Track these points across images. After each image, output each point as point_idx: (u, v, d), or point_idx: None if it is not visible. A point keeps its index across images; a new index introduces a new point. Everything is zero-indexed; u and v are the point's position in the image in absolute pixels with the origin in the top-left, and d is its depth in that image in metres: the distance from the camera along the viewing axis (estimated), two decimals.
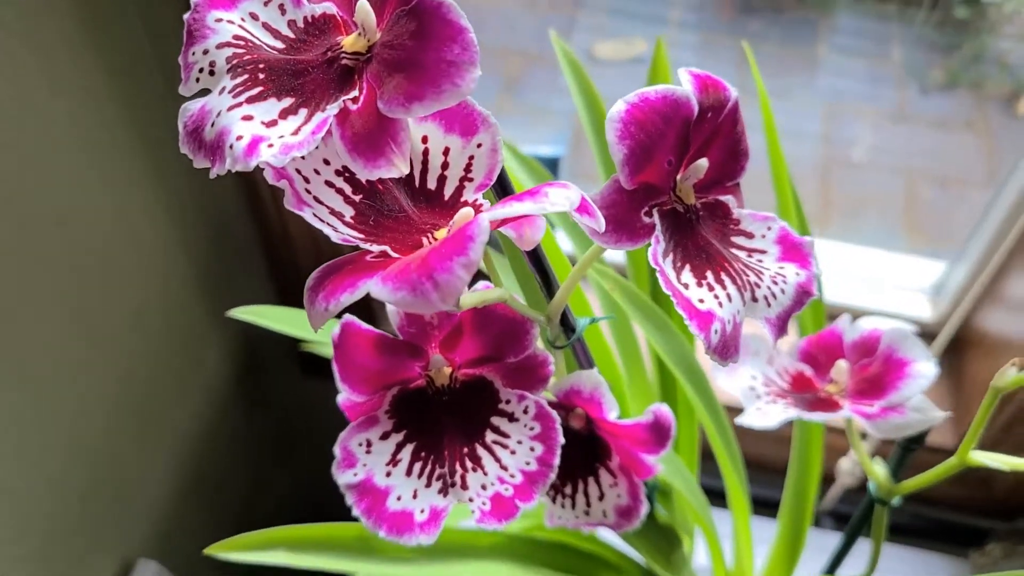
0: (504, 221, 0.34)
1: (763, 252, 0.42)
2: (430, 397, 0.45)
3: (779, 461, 0.98)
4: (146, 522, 1.08)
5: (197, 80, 0.33)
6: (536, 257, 0.43)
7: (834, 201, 1.59)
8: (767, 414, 0.51)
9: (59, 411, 0.91)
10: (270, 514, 1.30)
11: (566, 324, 0.47)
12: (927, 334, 1.15)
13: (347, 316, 0.43)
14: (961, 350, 1.12)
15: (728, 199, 0.42)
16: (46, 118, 0.79)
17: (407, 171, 0.32)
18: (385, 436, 0.44)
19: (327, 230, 0.32)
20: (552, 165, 1.33)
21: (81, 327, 0.91)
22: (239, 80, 0.32)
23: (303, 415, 1.40)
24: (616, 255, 1.04)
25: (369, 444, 0.43)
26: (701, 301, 0.37)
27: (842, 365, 0.53)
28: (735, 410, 0.75)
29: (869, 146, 1.65)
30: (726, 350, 0.37)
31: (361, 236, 0.33)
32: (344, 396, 0.44)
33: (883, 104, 1.74)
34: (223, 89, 0.32)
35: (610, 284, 0.58)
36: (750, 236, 0.42)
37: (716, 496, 0.77)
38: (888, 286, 1.22)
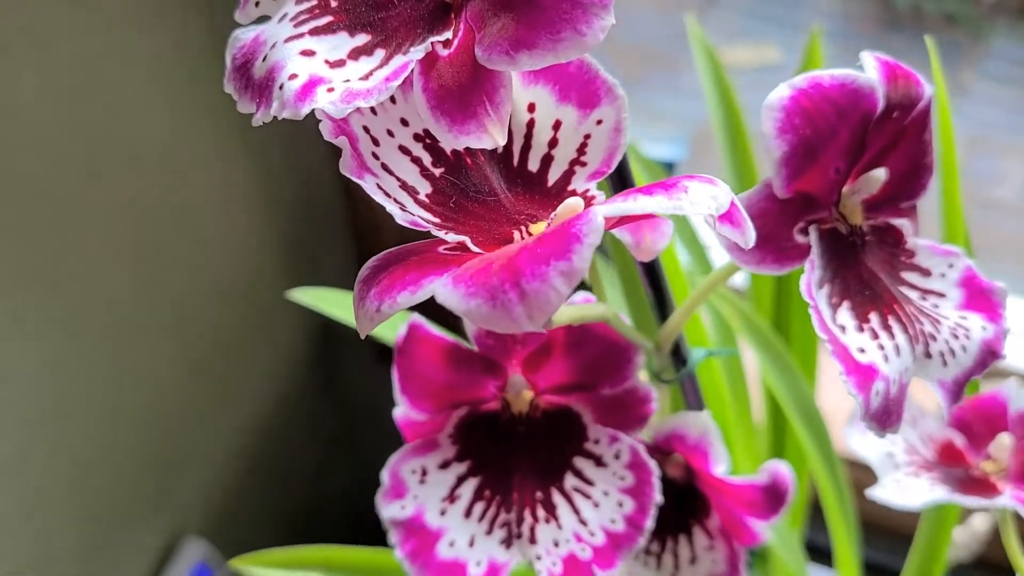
0: (623, 220, 0.26)
1: (940, 295, 0.33)
2: (503, 425, 0.37)
3: (900, 523, 0.87)
4: (201, 499, 1.04)
5: (257, 4, 0.27)
6: (652, 271, 0.35)
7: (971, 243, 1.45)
8: (907, 490, 0.42)
9: (121, 373, 0.87)
10: (332, 505, 1.25)
11: (677, 355, 0.38)
12: None
13: (415, 316, 0.36)
14: None
15: (902, 223, 0.33)
16: (134, 70, 0.75)
17: (503, 141, 0.24)
18: (445, 465, 0.37)
19: (392, 207, 0.25)
20: (668, 170, 1.25)
21: (155, 292, 0.87)
22: (305, 6, 0.25)
23: (374, 404, 1.34)
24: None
25: (425, 472, 0.36)
26: (862, 351, 0.29)
27: (1004, 440, 0.44)
28: (854, 464, 0.66)
29: (1017, 184, 1.51)
30: (887, 417, 0.29)
31: (436, 220, 0.26)
32: (402, 410, 0.37)
33: None
34: (284, 16, 0.25)
35: (729, 310, 0.49)
36: (926, 273, 0.33)
37: (821, 555, 0.67)
38: None
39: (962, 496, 0.41)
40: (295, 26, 0.25)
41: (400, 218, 0.25)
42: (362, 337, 0.25)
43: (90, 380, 0.84)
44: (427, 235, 0.26)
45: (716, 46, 0.63)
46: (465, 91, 0.24)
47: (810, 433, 0.54)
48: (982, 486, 0.43)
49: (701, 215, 0.22)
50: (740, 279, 0.80)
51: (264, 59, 0.25)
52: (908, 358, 0.30)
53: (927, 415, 0.47)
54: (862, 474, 0.60)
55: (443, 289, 0.22)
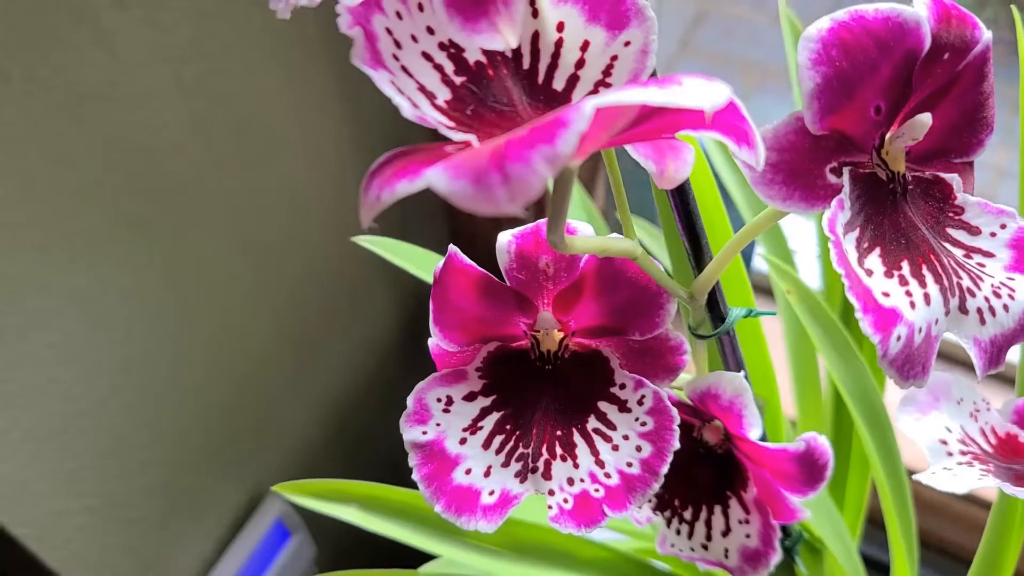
0: (617, 114, 0.25)
1: (988, 255, 0.31)
2: (532, 363, 0.37)
3: (960, 547, 0.83)
4: (282, 460, 1.07)
5: None
6: (687, 216, 0.34)
7: None
8: (957, 476, 0.40)
9: (215, 329, 0.90)
10: (405, 470, 1.27)
11: (715, 311, 0.38)
12: None
13: (452, 247, 0.37)
14: None
15: (952, 178, 0.32)
16: (240, 30, 0.79)
17: (515, 44, 0.24)
18: (470, 397, 0.37)
19: (402, 102, 0.25)
20: None
21: (253, 255, 0.91)
22: None
23: None
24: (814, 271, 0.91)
25: (450, 401, 0.37)
26: (886, 295, 0.28)
27: None
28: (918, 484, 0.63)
29: None
30: (909, 366, 0.28)
31: (451, 124, 0.27)
32: (435, 341, 0.38)
33: None
34: None
35: (788, 285, 0.48)
36: (975, 232, 0.31)
37: (876, 569, 0.64)
38: None
39: (1017, 488, 0.39)
40: None
41: (409, 114, 0.25)
42: (364, 227, 0.25)
43: (182, 332, 0.87)
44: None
45: None
46: None
47: (873, 432, 0.52)
48: None
49: (697, 107, 0.21)
50: (815, 280, 0.78)
51: None
52: (939, 309, 0.29)
53: (991, 408, 0.44)
54: (924, 489, 0.58)
55: (433, 173, 0.22)
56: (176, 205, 0.81)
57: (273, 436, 1.05)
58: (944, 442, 0.43)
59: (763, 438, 0.40)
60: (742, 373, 0.39)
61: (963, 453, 0.42)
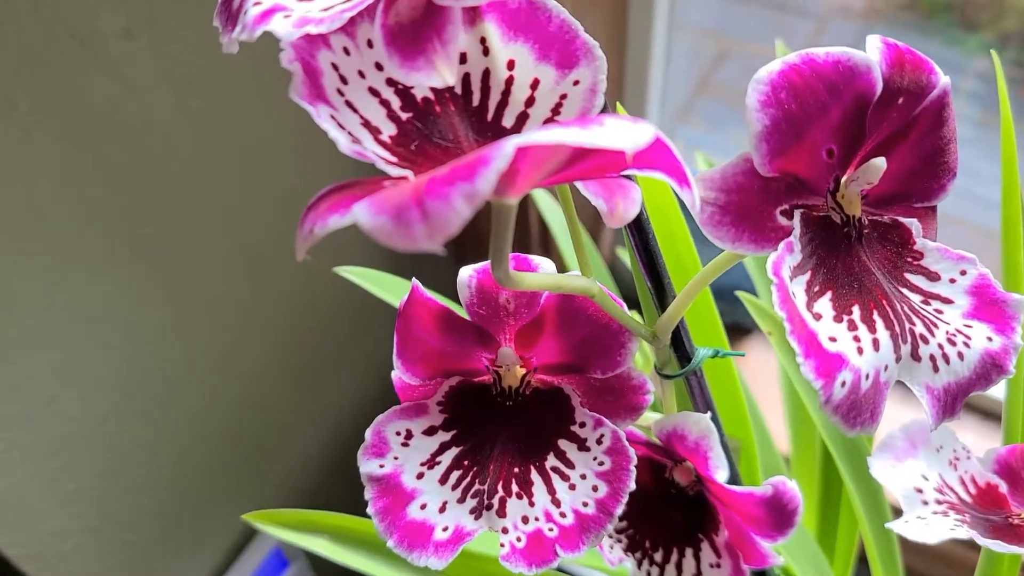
0: (546, 153, 0.25)
1: (947, 301, 0.31)
2: (493, 398, 0.37)
3: None
4: (283, 485, 1.07)
5: None
6: (648, 254, 0.34)
7: None
8: (930, 526, 0.39)
9: (219, 353, 0.91)
10: None
11: (681, 350, 0.37)
12: None
13: (414, 281, 0.37)
14: None
15: (912, 223, 0.31)
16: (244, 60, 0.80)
17: (452, 81, 0.25)
18: (430, 431, 0.37)
19: (339, 136, 0.26)
20: None
21: (254, 276, 0.91)
22: None
23: None
24: None
25: (409, 435, 0.36)
26: (832, 340, 0.27)
27: None
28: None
29: None
30: (855, 413, 0.27)
31: (393, 159, 0.27)
32: (397, 374, 0.38)
33: None
34: None
35: (768, 326, 0.47)
36: (933, 277, 0.31)
37: None
38: None
39: (991, 540, 0.38)
40: None
41: (347, 149, 0.26)
42: (298, 260, 0.25)
43: (184, 354, 0.88)
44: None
45: None
46: (418, 27, 0.24)
47: (854, 475, 0.51)
48: (1017, 534, 0.39)
49: (616, 148, 0.21)
50: None
51: None
52: (889, 355, 0.28)
53: (972, 456, 0.44)
54: None
55: (359, 209, 0.22)
56: (180, 229, 0.82)
57: (274, 461, 1.05)
58: (919, 490, 0.42)
59: (732, 480, 0.39)
60: (709, 414, 0.39)
61: (939, 502, 0.41)
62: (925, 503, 0.41)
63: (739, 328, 1.08)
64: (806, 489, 0.64)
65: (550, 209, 0.68)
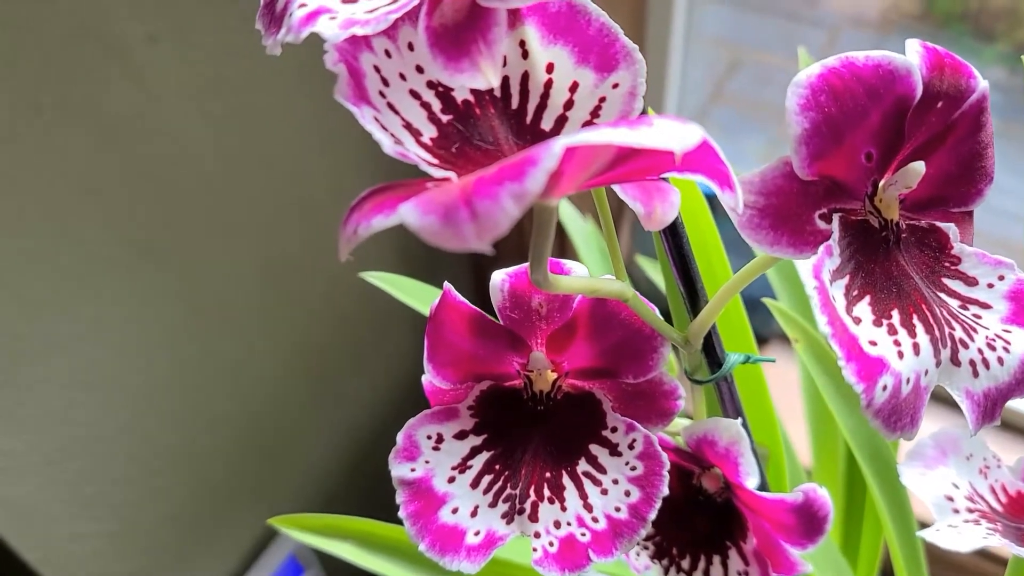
0: (592, 153, 0.25)
1: (985, 306, 0.30)
2: (524, 403, 0.37)
3: None
4: (299, 493, 1.07)
5: None
6: (682, 259, 0.34)
7: None
8: (962, 535, 0.39)
9: (237, 361, 0.91)
10: None
11: (712, 356, 0.37)
12: None
13: (447, 285, 0.37)
14: None
15: (949, 227, 0.31)
16: (267, 67, 0.80)
17: (497, 83, 0.25)
18: (461, 435, 0.37)
19: (383, 138, 0.26)
20: None
21: (278, 290, 0.91)
22: None
23: None
24: None
25: (440, 439, 0.36)
26: (873, 344, 0.27)
27: None
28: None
29: None
30: (896, 417, 0.27)
31: (435, 161, 0.27)
32: (428, 378, 0.37)
33: None
34: None
35: (795, 333, 0.47)
36: (971, 282, 0.31)
37: None
38: None
39: (1022, 548, 0.38)
40: None
41: (390, 150, 0.26)
42: (341, 260, 0.25)
43: (202, 362, 0.88)
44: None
45: None
46: (461, 28, 0.25)
47: (882, 486, 0.51)
48: None
49: (665, 148, 0.21)
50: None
51: None
52: (929, 360, 0.28)
53: (1002, 465, 0.43)
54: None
55: (406, 209, 0.22)
56: (199, 236, 0.82)
57: (290, 470, 1.05)
58: (950, 498, 0.41)
59: (761, 487, 0.39)
60: (740, 420, 0.39)
61: (970, 511, 0.41)
62: (956, 511, 0.41)
63: (759, 337, 1.08)
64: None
65: (571, 219, 0.68)
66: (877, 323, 0.28)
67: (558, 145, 0.21)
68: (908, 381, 0.27)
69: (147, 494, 0.88)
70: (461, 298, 0.36)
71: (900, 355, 0.27)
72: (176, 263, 0.81)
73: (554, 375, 0.37)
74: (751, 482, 0.38)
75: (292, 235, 0.91)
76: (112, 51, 0.67)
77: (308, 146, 0.88)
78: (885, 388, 0.27)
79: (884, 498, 0.50)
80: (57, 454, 0.78)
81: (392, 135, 0.26)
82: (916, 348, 0.28)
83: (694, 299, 0.35)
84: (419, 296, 0.56)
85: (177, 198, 0.78)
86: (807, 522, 0.39)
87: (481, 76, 0.25)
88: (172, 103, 0.73)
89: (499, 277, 0.36)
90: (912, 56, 0.28)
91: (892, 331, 0.28)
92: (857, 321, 0.28)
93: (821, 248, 0.28)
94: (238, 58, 0.77)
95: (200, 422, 0.91)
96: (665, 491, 0.34)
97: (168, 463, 0.90)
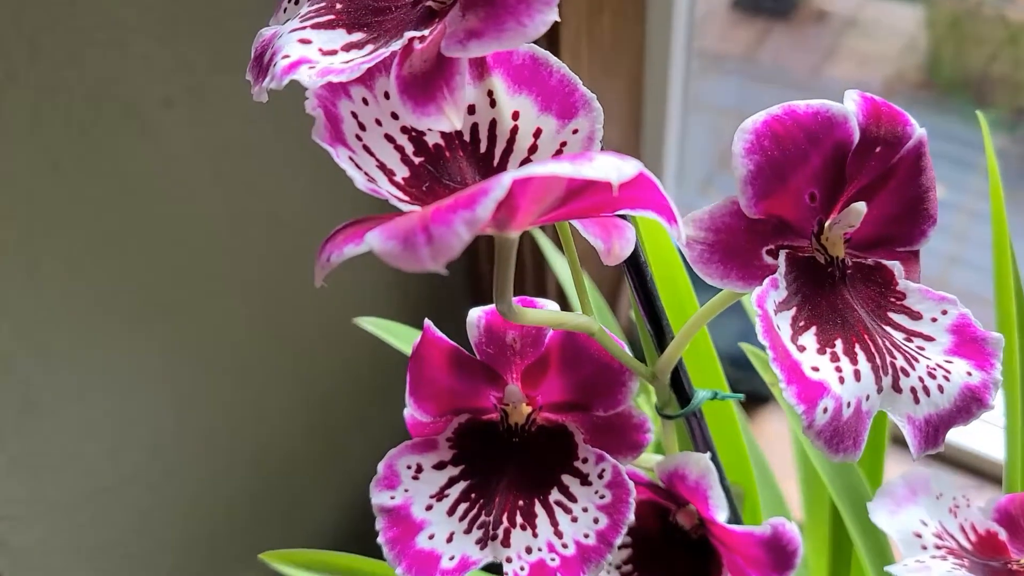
0: (542, 187, 0.27)
1: (928, 339, 0.32)
2: (500, 435, 0.39)
3: None
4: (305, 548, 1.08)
5: (284, 11, 0.31)
6: (646, 294, 0.36)
7: None
8: (929, 569, 0.40)
9: (240, 414, 0.93)
10: None
11: (681, 392, 0.39)
12: None
13: (427, 322, 0.39)
14: None
15: (894, 265, 0.33)
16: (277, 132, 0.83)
17: (459, 125, 0.27)
18: (440, 466, 0.38)
19: (357, 175, 0.28)
20: None
21: (281, 342, 0.94)
22: (313, 7, 0.29)
23: None
24: None
25: (419, 469, 0.38)
26: (815, 369, 0.29)
27: None
28: None
29: None
30: (837, 440, 0.29)
31: (405, 198, 0.29)
32: (409, 411, 0.39)
33: None
34: (296, 15, 0.30)
35: (772, 377, 0.49)
36: (915, 316, 0.33)
37: None
38: None
39: None
40: (301, 21, 0.29)
41: (363, 187, 0.28)
42: (316, 286, 0.27)
43: (210, 416, 0.90)
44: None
45: None
46: (429, 77, 0.27)
47: (857, 525, 0.52)
48: None
49: (603, 180, 0.23)
50: None
51: (271, 47, 0.29)
52: (870, 385, 0.30)
53: (972, 504, 0.44)
54: None
55: (371, 236, 0.25)
56: (210, 296, 0.85)
57: (296, 524, 1.06)
58: (918, 535, 0.42)
59: (732, 521, 0.40)
60: (708, 454, 0.40)
61: (937, 547, 0.42)
62: (924, 548, 0.42)
63: (756, 397, 1.09)
64: (818, 552, 0.64)
65: (561, 264, 0.71)
66: (821, 351, 0.30)
67: (507, 177, 0.23)
68: (849, 405, 0.29)
69: (151, 547, 0.89)
70: (441, 334, 0.38)
71: (841, 380, 0.29)
72: (187, 319, 0.84)
73: (529, 408, 0.39)
74: (721, 515, 0.39)
75: (301, 294, 0.94)
76: (130, 113, 0.71)
77: (318, 207, 0.91)
78: (826, 411, 0.28)
79: (864, 544, 0.51)
80: (63, 503, 0.79)
81: (366, 173, 0.29)
82: (857, 374, 0.29)
83: (660, 334, 0.37)
84: (410, 341, 0.58)
85: (188, 254, 0.81)
86: (776, 556, 0.40)
87: (446, 119, 0.27)
88: (186, 163, 0.77)
89: (475, 314, 0.38)
90: (849, 104, 0.30)
91: (835, 358, 0.30)
92: (802, 349, 0.30)
93: (766, 280, 0.30)
94: (250, 121, 0.80)
95: (206, 476, 0.93)
96: (631, 518, 0.35)
97: (173, 517, 0.91)
